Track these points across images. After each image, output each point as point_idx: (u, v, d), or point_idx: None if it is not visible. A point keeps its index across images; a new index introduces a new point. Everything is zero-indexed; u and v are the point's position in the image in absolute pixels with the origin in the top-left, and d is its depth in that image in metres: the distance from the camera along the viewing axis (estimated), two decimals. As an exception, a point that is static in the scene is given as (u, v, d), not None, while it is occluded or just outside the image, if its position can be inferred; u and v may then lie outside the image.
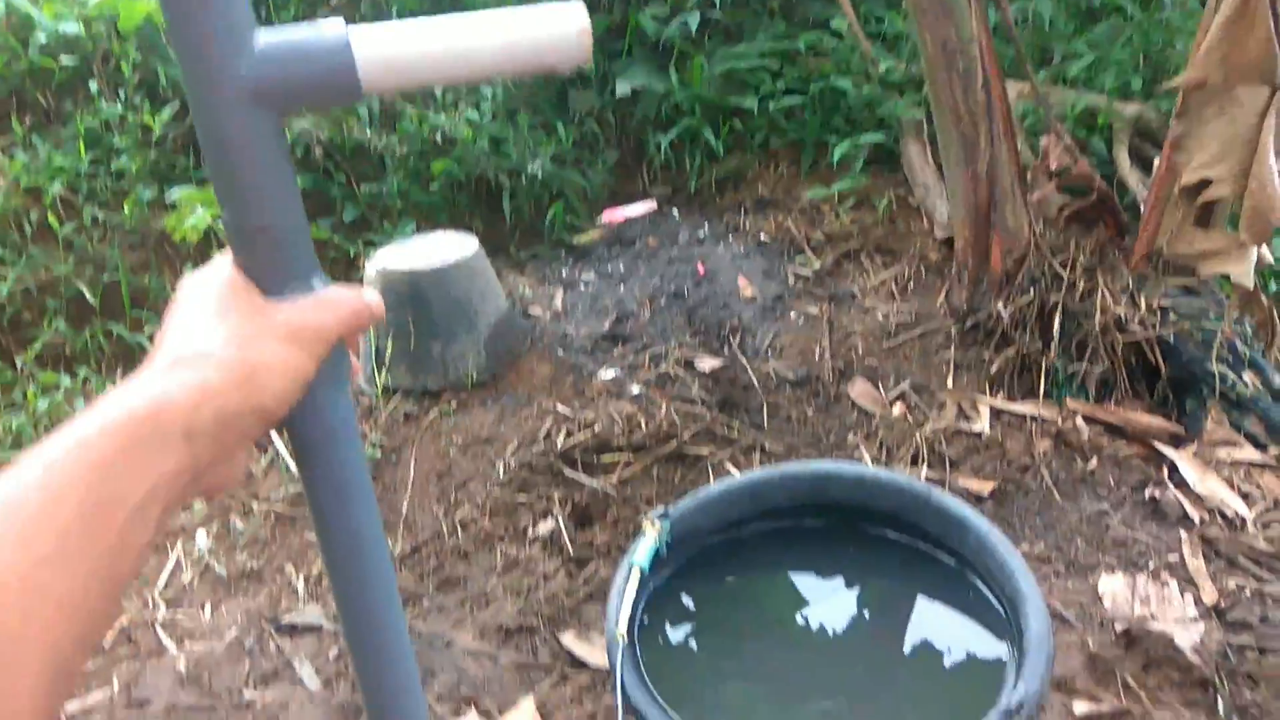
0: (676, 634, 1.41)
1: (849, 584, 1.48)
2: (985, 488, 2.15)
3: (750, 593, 1.47)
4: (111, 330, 2.77)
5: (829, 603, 1.47)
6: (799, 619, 1.44)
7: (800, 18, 3.66)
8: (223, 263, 0.57)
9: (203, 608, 1.92)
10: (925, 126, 3.21)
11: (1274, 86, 2.14)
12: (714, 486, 1.53)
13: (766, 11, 3.61)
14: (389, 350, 2.46)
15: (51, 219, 2.79)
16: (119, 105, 2.99)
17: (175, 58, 0.58)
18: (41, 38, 3.01)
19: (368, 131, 3.05)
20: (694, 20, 3.32)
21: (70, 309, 2.79)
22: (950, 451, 2.24)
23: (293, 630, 1.86)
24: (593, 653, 1.77)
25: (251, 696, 1.71)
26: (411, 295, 2.43)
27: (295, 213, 0.60)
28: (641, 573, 1.36)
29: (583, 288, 2.97)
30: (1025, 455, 2.23)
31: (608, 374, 2.52)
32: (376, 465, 2.29)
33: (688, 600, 1.46)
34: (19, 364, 2.63)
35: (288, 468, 2.32)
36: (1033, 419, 2.34)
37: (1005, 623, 1.30)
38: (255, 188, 0.59)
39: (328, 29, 0.57)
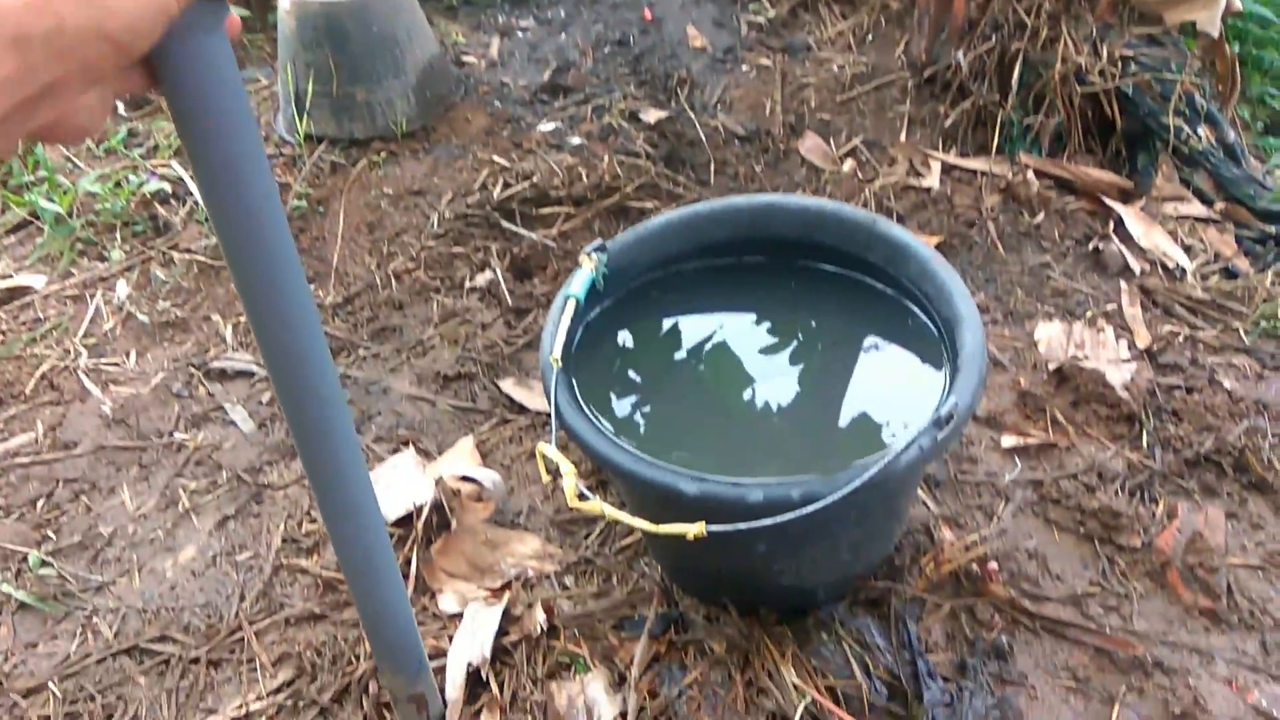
0: (610, 364, 1.39)
1: (787, 317, 1.46)
2: (931, 242, 2.12)
3: (687, 327, 1.45)
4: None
5: (764, 335, 1.45)
6: (734, 351, 1.42)
7: None
8: None
9: (127, 355, 1.86)
10: None
11: None
12: (653, 221, 1.47)
13: None
14: (309, 94, 2.28)
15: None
16: None
17: None
18: None
19: None
20: None
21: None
22: (899, 206, 2.20)
23: (222, 375, 1.82)
24: (531, 397, 1.76)
25: (183, 437, 1.68)
26: (329, 30, 2.23)
27: None
28: (577, 304, 1.32)
29: (520, 35, 2.77)
30: (973, 210, 2.19)
31: (547, 126, 2.39)
32: (303, 217, 2.18)
33: (623, 334, 1.44)
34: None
35: (207, 218, 2.20)
36: (983, 174, 2.28)
37: (942, 346, 1.30)
38: None
39: None
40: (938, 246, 2.11)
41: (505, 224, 2.11)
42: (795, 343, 1.39)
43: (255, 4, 2.80)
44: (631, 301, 1.46)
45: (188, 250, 2.11)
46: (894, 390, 1.30)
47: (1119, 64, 2.25)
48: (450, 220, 2.11)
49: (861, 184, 2.25)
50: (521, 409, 1.74)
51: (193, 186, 2.26)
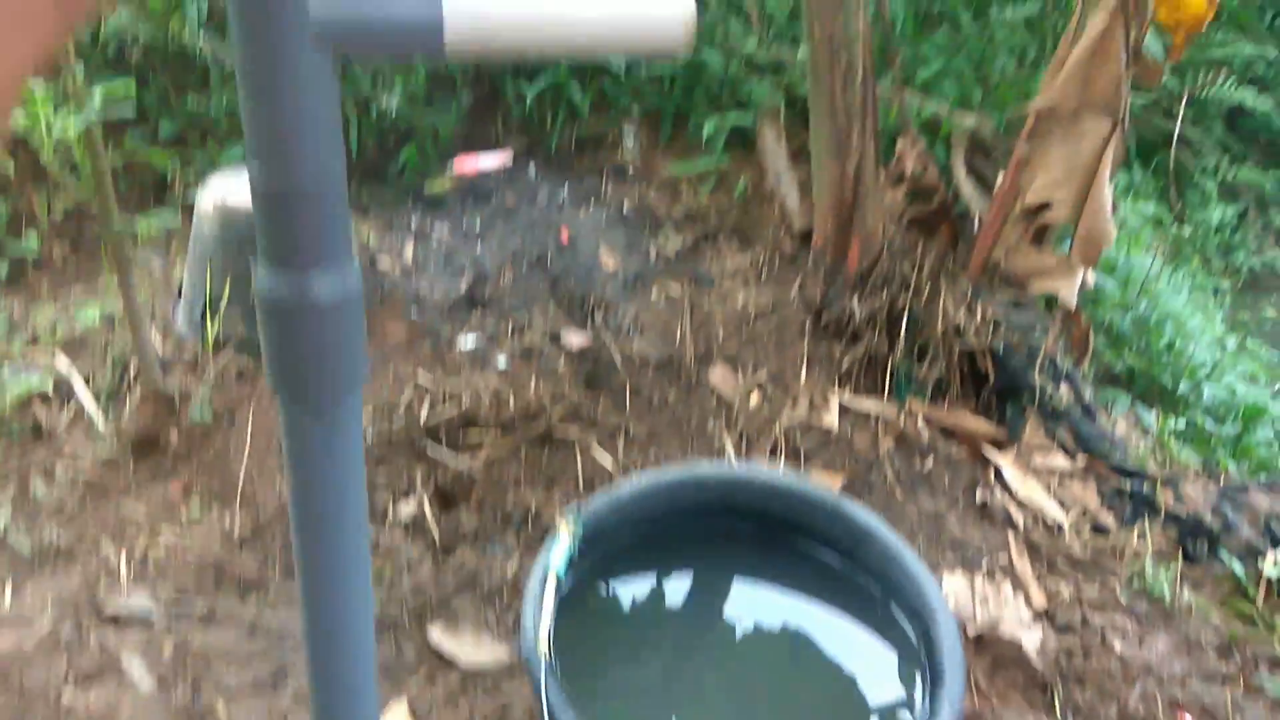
0: (587, 641, 1.37)
1: (755, 591, 1.50)
2: (836, 482, 2.25)
3: (658, 597, 1.46)
4: None
5: (732, 608, 1.48)
6: (700, 625, 1.44)
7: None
8: None
9: (2, 590, 1.65)
10: (782, 111, 3.27)
11: (1115, 120, 2.33)
12: (625, 486, 1.49)
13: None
14: (225, 298, 2.20)
15: None
16: None
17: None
18: None
19: (196, 36, 2.68)
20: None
21: None
22: (805, 445, 2.32)
23: (116, 621, 1.64)
24: (462, 649, 1.69)
25: (72, 699, 1.49)
26: (252, 238, 2.18)
27: (337, 178, 0.53)
28: (558, 579, 1.31)
29: (434, 243, 2.80)
30: (870, 452, 2.35)
31: (468, 342, 2.39)
32: (206, 430, 2.05)
33: (596, 605, 1.43)
34: None
35: (94, 423, 2.03)
36: (877, 417, 2.46)
37: (909, 634, 1.36)
38: (296, 143, 0.50)
39: None
40: (843, 488, 2.23)
41: (430, 448, 2.07)
42: (759, 620, 1.42)
43: (145, 194, 2.70)
44: (602, 568, 1.46)
45: (72, 461, 1.93)
46: (865, 681, 1.35)
47: (991, 325, 2.53)
48: (371, 441, 2.05)
49: (770, 419, 2.37)
50: (451, 664, 1.67)
51: (78, 385, 2.09)
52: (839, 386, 2.54)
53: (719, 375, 2.52)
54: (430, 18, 0.49)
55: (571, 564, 1.36)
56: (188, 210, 2.30)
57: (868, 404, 2.50)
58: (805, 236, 2.89)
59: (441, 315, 2.48)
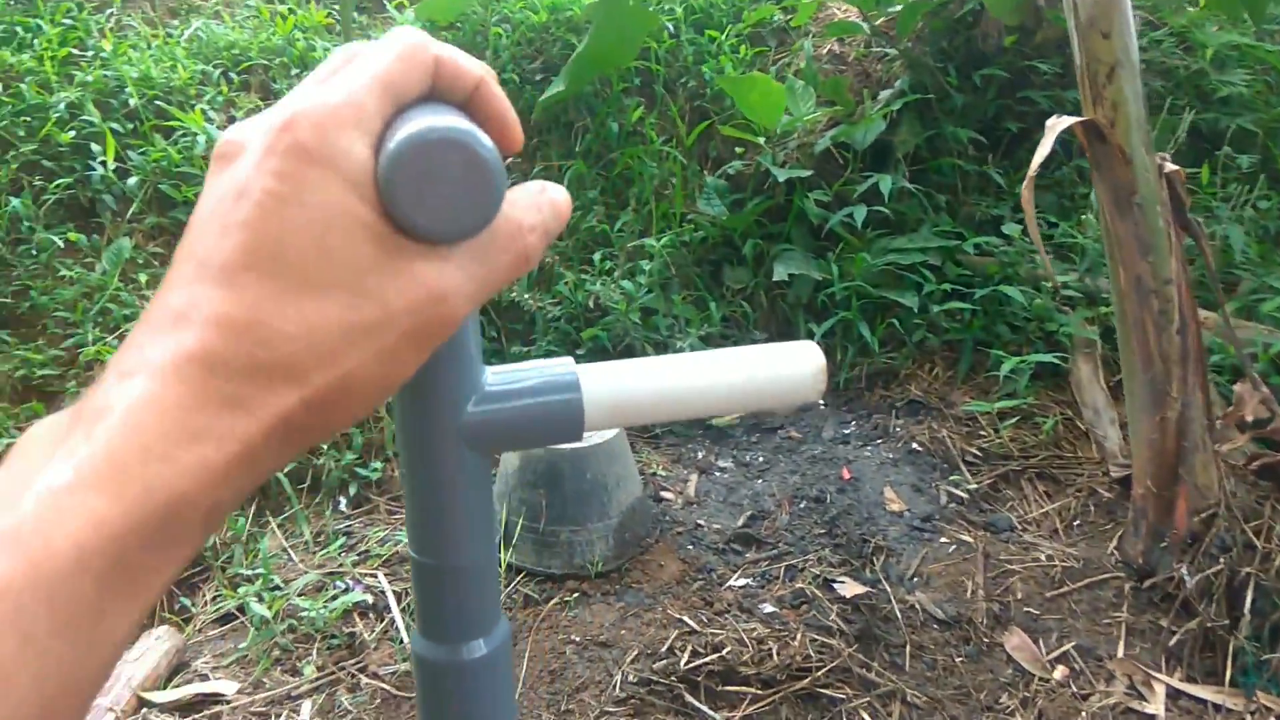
0: None
1: None
2: (1161, 789, 1.88)
3: None
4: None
5: None
6: None
7: (967, 215, 3.58)
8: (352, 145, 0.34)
9: (295, 800, 1.83)
10: (1099, 345, 3.04)
11: None
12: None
13: (932, 205, 3.55)
14: (518, 528, 2.39)
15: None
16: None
17: (395, 400, 0.54)
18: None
19: (524, 292, 3.08)
20: (860, 213, 3.27)
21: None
22: (1120, 736, 1.98)
23: (382, 844, 1.74)
24: None
25: None
26: (548, 475, 2.37)
27: (489, 556, 0.55)
28: None
29: (718, 474, 2.86)
30: (1209, 753, 1.95)
31: (738, 582, 2.38)
32: (489, 653, 2.18)
33: None
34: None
35: (401, 640, 2.24)
36: (1216, 707, 2.06)
37: None
38: (455, 529, 0.53)
39: (556, 369, 0.53)
40: (1171, 799, 1.86)
41: (688, 697, 2.03)
42: None
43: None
44: None
45: (375, 675, 2.13)
46: None
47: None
48: (633, 684, 2.06)
49: (1076, 701, 2.07)
50: None
51: (391, 601, 2.34)
52: (1166, 668, 2.17)
53: (1017, 641, 2.26)
54: (571, 415, 0.52)
55: None
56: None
57: (1203, 691, 2.10)
58: (1125, 483, 2.59)
59: (715, 552, 2.50)
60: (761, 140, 3.48)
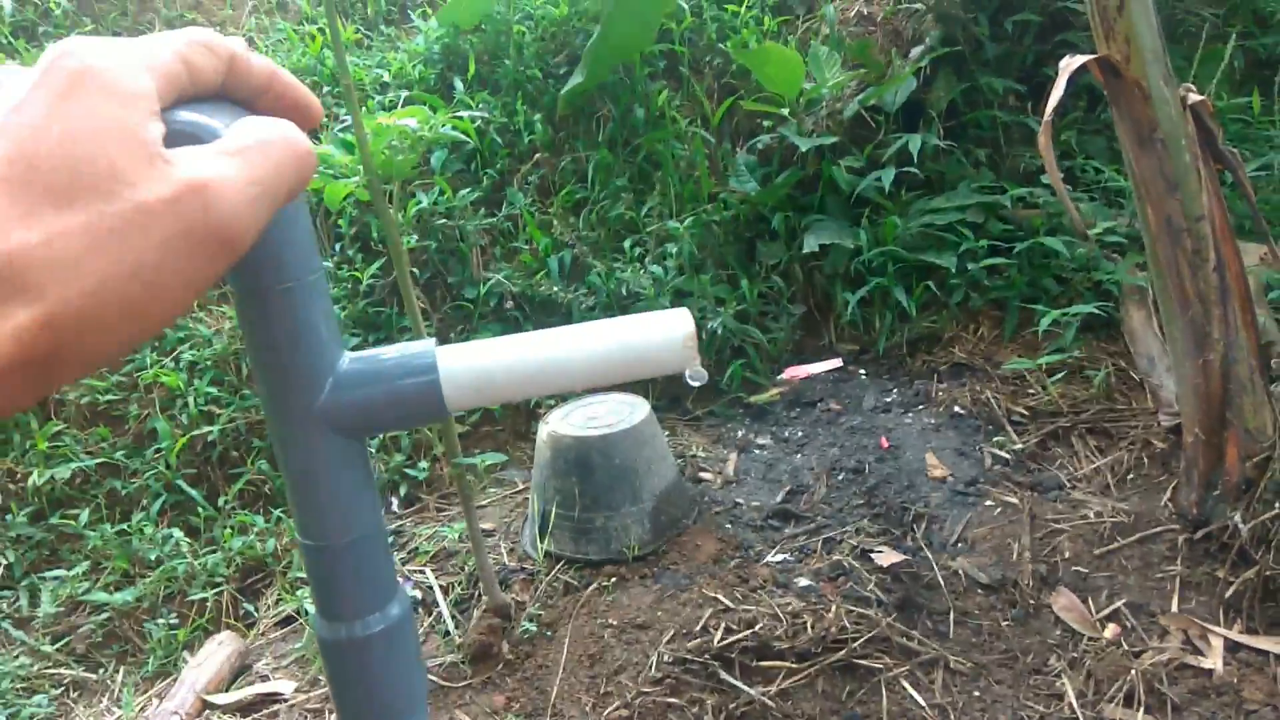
0: None
1: None
2: (1219, 747, 1.81)
3: None
4: (307, 469, 2.93)
5: None
6: None
7: (1010, 168, 3.46)
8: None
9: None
10: (1150, 291, 2.91)
11: None
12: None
13: (971, 161, 3.44)
14: (552, 516, 2.43)
15: (267, 362, 3.01)
16: (333, 258, 3.23)
17: (256, 380, 0.56)
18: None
19: (555, 285, 3.12)
20: (888, 176, 3.20)
21: (273, 449, 2.96)
22: (1174, 693, 1.91)
23: (426, 828, 1.80)
24: None
25: None
26: (578, 461, 2.40)
27: (373, 533, 0.56)
28: None
29: (757, 452, 2.85)
30: (1268, 706, 1.87)
31: (775, 557, 2.37)
32: (532, 641, 2.23)
33: None
34: (221, 502, 2.81)
35: (447, 631, 2.31)
36: (1278, 658, 1.96)
37: None
38: (332, 510, 0.55)
39: (415, 350, 0.54)
40: (1228, 757, 1.79)
41: (724, 675, 2.04)
42: None
43: (519, 418, 3.12)
44: None
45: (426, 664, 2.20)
46: None
47: None
48: (669, 664, 2.08)
49: (1127, 658, 2.00)
50: None
51: (439, 596, 2.41)
52: (1224, 620, 2.08)
53: (1065, 602, 2.20)
54: (430, 397, 0.52)
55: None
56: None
57: (1265, 642, 2.01)
58: (1178, 431, 2.48)
59: (753, 529, 2.49)
60: (785, 111, 3.44)
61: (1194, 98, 2.13)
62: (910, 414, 2.87)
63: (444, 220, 3.21)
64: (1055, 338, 2.97)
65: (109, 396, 2.95)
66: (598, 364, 0.53)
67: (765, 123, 3.60)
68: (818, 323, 3.41)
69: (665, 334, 0.53)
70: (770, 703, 1.97)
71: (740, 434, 2.96)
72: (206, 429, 2.87)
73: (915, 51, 3.64)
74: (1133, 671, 1.96)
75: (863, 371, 3.14)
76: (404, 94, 3.49)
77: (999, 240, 3.16)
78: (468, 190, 3.30)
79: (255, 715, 2.14)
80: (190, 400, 2.90)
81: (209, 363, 3.00)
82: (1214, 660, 2.00)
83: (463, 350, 0.53)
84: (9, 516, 2.73)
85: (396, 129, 1.97)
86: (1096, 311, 2.88)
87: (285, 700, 2.17)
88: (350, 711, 0.62)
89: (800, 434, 2.88)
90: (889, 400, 2.96)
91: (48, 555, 2.75)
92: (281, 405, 0.54)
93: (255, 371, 0.55)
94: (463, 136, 2.23)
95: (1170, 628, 2.09)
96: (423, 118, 1.98)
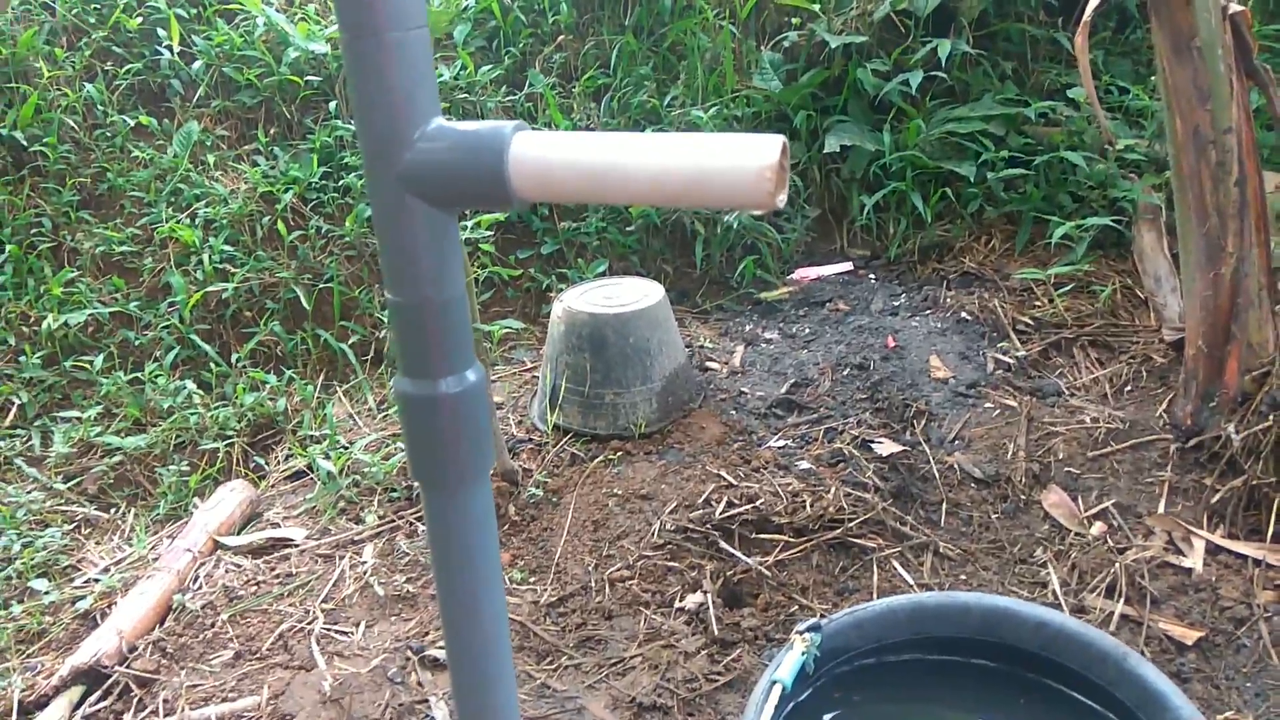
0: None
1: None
2: (1190, 636, 1.90)
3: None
4: (320, 335, 2.96)
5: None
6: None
7: (1035, 84, 3.43)
8: None
9: (356, 626, 1.99)
10: (1164, 212, 2.93)
11: None
12: (874, 605, 1.42)
13: (998, 74, 3.41)
14: (563, 390, 2.48)
15: (280, 226, 3.01)
16: (352, 124, 3.20)
17: (357, 131, 0.58)
18: (292, 54, 3.27)
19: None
20: (915, 78, 3.17)
21: (286, 311, 2.99)
22: (1154, 587, 2.00)
23: (435, 663, 1.89)
24: (722, 747, 1.68)
25: (385, 728, 1.74)
26: (591, 337, 2.44)
27: (455, 299, 0.59)
28: (784, 690, 1.27)
29: (764, 345, 2.89)
30: (1242, 604, 1.96)
31: (777, 443, 2.43)
32: (537, 505, 2.30)
33: (829, 726, 1.36)
34: (234, 359, 2.85)
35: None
36: (1255, 562, 2.05)
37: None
38: (414, 268, 0.58)
39: (492, 128, 0.54)
40: (1198, 644, 1.88)
41: (724, 544, 2.12)
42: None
43: (529, 301, 3.15)
44: (839, 687, 1.39)
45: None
46: None
47: None
48: (670, 531, 2.15)
49: (1111, 554, 2.08)
50: (710, 759, 1.66)
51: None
52: (1208, 525, 2.16)
53: (1055, 499, 2.28)
54: (495, 176, 0.53)
55: (807, 677, 1.33)
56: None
57: (1245, 547, 2.09)
58: (1179, 347, 2.53)
59: (757, 417, 2.55)
60: (816, 8, 3.38)
61: (1235, 7, 2.12)
62: (917, 318, 2.91)
63: (464, 95, 3.18)
64: (1066, 253, 2.99)
65: (123, 248, 2.95)
66: (667, 177, 0.51)
67: (794, 20, 3.54)
68: (831, 227, 3.42)
69: (741, 160, 0.49)
70: (766, 572, 2.05)
71: (748, 328, 3.00)
72: (221, 286, 2.88)
73: (951, -44, 3.57)
74: (1116, 565, 2.04)
75: (873, 276, 3.17)
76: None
77: (1018, 153, 3.15)
78: (489, 67, 3.25)
79: (267, 558, 2.22)
80: (205, 258, 2.91)
81: (225, 221, 2.99)
82: (1194, 560, 2.08)
83: (539, 138, 0.53)
84: (22, 358, 2.76)
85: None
86: (1111, 225, 2.90)
87: (296, 546, 2.24)
88: (422, 465, 0.66)
89: (808, 331, 2.92)
90: (897, 304, 3.00)
91: (60, 399, 2.79)
92: (374, 153, 0.56)
93: (356, 120, 0.57)
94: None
95: (1155, 528, 2.17)
96: (460, -29, 1.95)
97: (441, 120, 0.57)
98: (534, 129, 0.56)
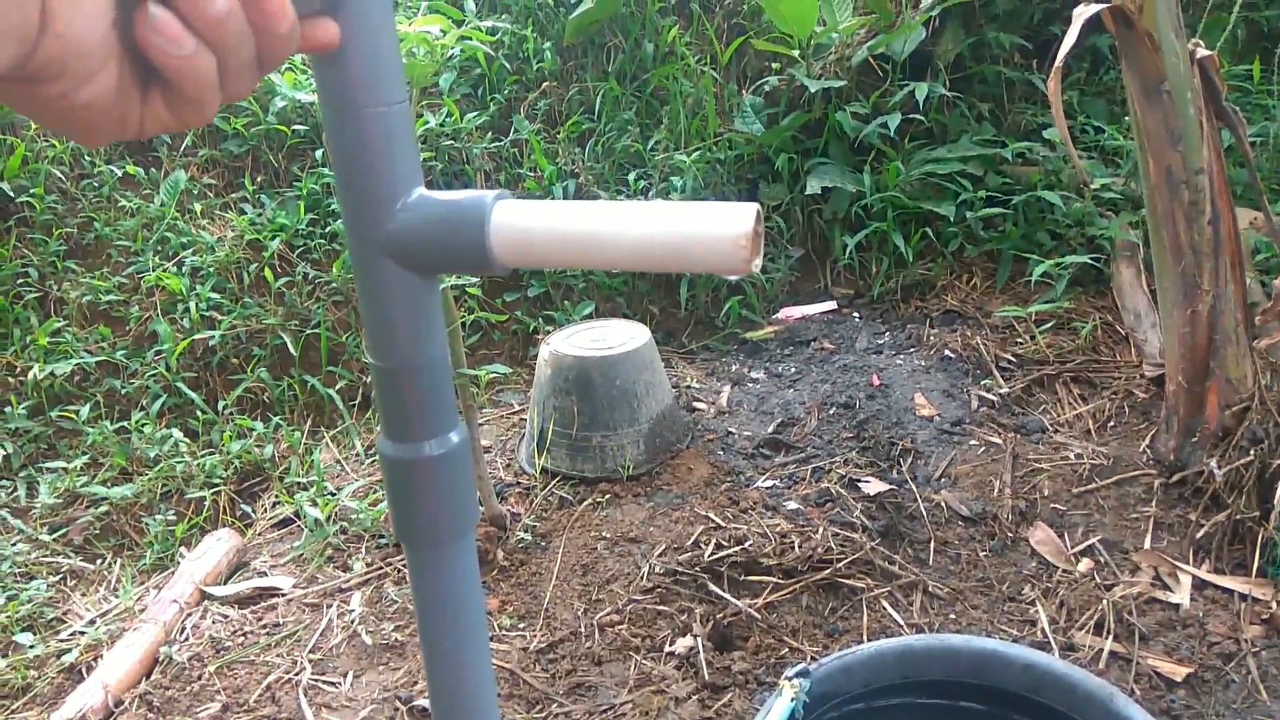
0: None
1: (1005, 786, 1.33)
2: (1179, 672, 1.90)
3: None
4: (306, 381, 2.96)
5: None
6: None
7: (1012, 124, 3.50)
8: None
9: (344, 677, 1.97)
10: (1141, 249, 2.98)
11: None
12: (862, 649, 1.42)
13: (975, 116, 3.48)
14: (549, 434, 2.48)
15: (267, 273, 3.03)
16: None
17: (338, 199, 0.59)
18: (279, 104, 3.30)
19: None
20: (894, 121, 3.23)
21: (273, 358, 2.99)
22: (1142, 624, 2.01)
23: (423, 713, 1.87)
24: (716, 794, 1.67)
25: (374, 779, 1.72)
26: (578, 379, 2.45)
27: (438, 362, 0.60)
28: (773, 737, 1.27)
29: (750, 385, 2.91)
30: (1230, 639, 1.97)
31: (765, 483, 2.44)
32: (525, 549, 2.30)
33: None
34: (220, 406, 2.84)
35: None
36: (1242, 597, 2.06)
37: None
38: (396, 333, 0.59)
39: (476, 197, 0.55)
40: (1187, 680, 1.89)
41: (713, 587, 2.11)
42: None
43: (516, 344, 3.16)
44: (831, 733, 1.39)
45: (418, 569, 2.26)
46: None
47: None
48: (660, 574, 2.15)
49: (1099, 590, 2.09)
50: (704, 807, 1.65)
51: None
52: (1193, 560, 2.18)
53: (1041, 536, 2.29)
54: (476, 244, 0.54)
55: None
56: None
57: (1231, 582, 2.11)
58: (1161, 382, 2.57)
59: (745, 457, 2.56)
60: (796, 53, 3.45)
61: (1202, 53, 2.18)
62: (901, 356, 2.93)
63: (450, 142, 3.22)
64: (1046, 290, 3.03)
65: (110, 297, 2.95)
66: (645, 245, 0.52)
67: (773, 65, 3.61)
68: (815, 266, 3.46)
69: (716, 229, 0.49)
70: (756, 614, 2.05)
71: (734, 368, 3.02)
72: (208, 333, 2.89)
73: (926, 2, 3.65)
74: (1104, 602, 2.05)
75: (857, 314, 3.20)
76: (423, 2, 3.47)
77: (996, 193, 3.21)
78: (475, 114, 3.30)
79: (254, 608, 2.20)
80: (192, 305, 2.91)
81: (211, 269, 3.00)
82: (1182, 596, 2.09)
83: (519, 207, 0.54)
84: (8, 409, 2.75)
85: (418, 36, 1.98)
86: (1089, 263, 2.95)
87: (283, 595, 2.23)
88: (405, 527, 0.67)
89: (793, 370, 2.95)
90: (881, 342, 3.03)
91: (45, 449, 2.78)
92: (355, 223, 0.58)
93: (337, 191, 0.59)
94: (482, 46, 2.23)
95: (1142, 564, 2.18)
96: (445, 25, 1.99)
97: (423, 190, 0.58)
98: (515, 197, 0.57)
